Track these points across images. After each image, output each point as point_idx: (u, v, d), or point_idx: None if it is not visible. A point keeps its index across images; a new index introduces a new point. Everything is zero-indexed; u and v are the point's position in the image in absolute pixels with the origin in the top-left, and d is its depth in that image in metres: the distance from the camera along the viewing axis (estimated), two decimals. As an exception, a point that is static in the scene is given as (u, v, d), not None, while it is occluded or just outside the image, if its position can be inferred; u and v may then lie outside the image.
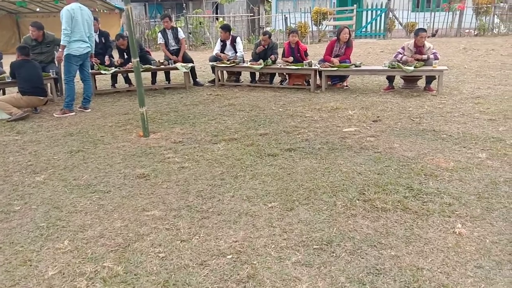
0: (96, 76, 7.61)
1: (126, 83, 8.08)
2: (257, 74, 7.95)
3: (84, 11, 5.92)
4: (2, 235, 2.64)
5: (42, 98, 5.96)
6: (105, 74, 7.37)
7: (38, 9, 18.57)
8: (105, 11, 18.38)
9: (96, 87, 7.68)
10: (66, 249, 2.44)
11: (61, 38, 5.66)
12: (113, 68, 7.44)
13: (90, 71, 6.56)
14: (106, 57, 7.66)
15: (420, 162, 3.57)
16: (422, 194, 2.96)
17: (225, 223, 2.68)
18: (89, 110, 6.21)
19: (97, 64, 7.37)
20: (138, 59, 4.71)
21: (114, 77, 7.95)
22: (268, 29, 20.48)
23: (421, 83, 6.94)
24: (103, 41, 7.79)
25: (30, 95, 5.79)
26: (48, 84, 6.94)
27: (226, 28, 8.03)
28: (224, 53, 8.01)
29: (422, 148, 3.94)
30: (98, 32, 7.67)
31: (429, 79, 6.65)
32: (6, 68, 6.79)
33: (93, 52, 6.45)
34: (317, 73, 7.24)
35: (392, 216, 2.68)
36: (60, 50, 5.78)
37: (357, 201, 2.88)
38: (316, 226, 2.58)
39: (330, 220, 2.65)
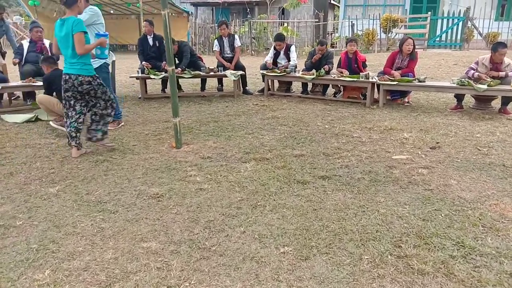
0: (146, 80, 7.57)
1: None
2: (310, 84, 7.46)
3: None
4: (-9, 254, 2.47)
5: None
6: (154, 78, 7.31)
7: (112, 11, 19.51)
8: (173, 14, 18.86)
9: (146, 91, 7.66)
10: (44, 282, 2.19)
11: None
12: (163, 72, 7.36)
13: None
14: (164, 63, 7.55)
15: (479, 208, 2.91)
16: (475, 255, 2.34)
17: (225, 269, 2.28)
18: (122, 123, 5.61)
19: (147, 68, 7.33)
20: (173, 67, 4.47)
21: (164, 81, 7.88)
22: (336, 35, 19.81)
23: (496, 103, 6.05)
24: (157, 44, 7.74)
25: None
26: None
27: (281, 39, 7.58)
28: (277, 61, 7.62)
29: (485, 189, 3.25)
30: (152, 35, 7.65)
31: (506, 100, 5.75)
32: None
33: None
34: (375, 86, 6.61)
35: (430, 283, 2.11)
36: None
37: (389, 257, 2.34)
38: (331, 287, 2.10)
39: (350, 280, 2.14)
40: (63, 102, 4.33)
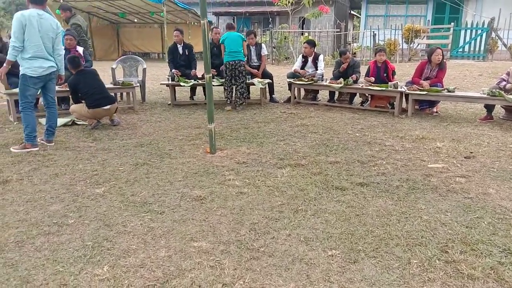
0: (175, 87, 7.73)
1: (205, 95, 8.13)
2: (336, 93, 7.53)
3: (45, 20, 4.62)
4: (49, 250, 2.59)
5: (108, 108, 5.72)
6: (184, 86, 7.47)
7: (135, 20, 19.97)
8: (196, 23, 19.22)
9: (175, 97, 7.81)
10: (104, 277, 2.29)
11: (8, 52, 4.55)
12: (192, 80, 7.52)
13: (55, 96, 5.17)
14: (193, 71, 7.73)
15: (522, 217, 2.93)
16: (524, 262, 2.36)
17: (276, 269, 2.35)
18: (53, 144, 4.97)
19: (177, 76, 7.51)
20: (210, 74, 4.59)
21: (193, 89, 8.04)
22: (354, 45, 19.85)
23: (528, 114, 6.02)
24: (187, 53, 7.92)
25: (95, 107, 5.63)
26: (130, 93, 7.21)
27: (311, 44, 7.75)
28: (304, 70, 7.73)
29: (526, 198, 3.26)
30: (182, 44, 7.84)
31: (538, 111, 5.72)
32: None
33: (62, 73, 5.11)
34: (403, 96, 6.64)
35: (482, 288, 2.14)
36: (4, 65, 4.62)
37: (437, 261, 2.38)
38: (383, 289, 2.15)
39: (401, 283, 2.19)
40: (225, 78, 7.08)
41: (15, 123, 6.04)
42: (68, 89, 6.40)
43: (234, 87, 7.14)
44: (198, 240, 2.68)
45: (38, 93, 6.14)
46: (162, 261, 2.44)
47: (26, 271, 2.35)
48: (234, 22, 22.30)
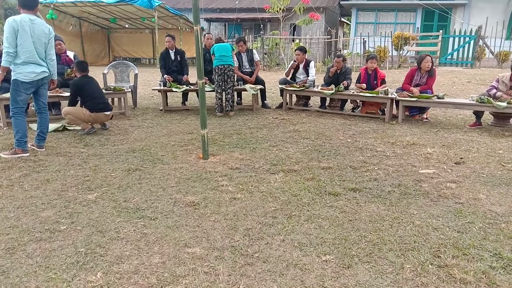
0: (167, 93, 7.72)
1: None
2: (328, 99, 7.59)
3: (37, 26, 4.58)
4: (41, 257, 2.56)
5: (108, 114, 5.88)
6: (176, 91, 7.46)
7: (127, 25, 19.92)
8: (187, 29, 19.22)
9: (167, 103, 7.79)
10: (97, 283, 2.27)
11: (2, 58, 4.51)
12: (184, 86, 7.52)
13: (47, 101, 5.06)
14: (185, 77, 7.74)
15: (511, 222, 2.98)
16: (515, 266, 2.40)
17: (270, 275, 2.35)
18: (44, 149, 4.91)
19: (169, 82, 7.50)
20: (203, 80, 4.60)
21: (185, 94, 8.04)
22: (345, 52, 20.03)
23: (515, 121, 6.12)
24: (179, 59, 7.92)
25: (98, 111, 5.72)
26: (122, 98, 7.17)
27: (303, 50, 7.84)
28: (296, 76, 7.79)
29: (516, 203, 3.31)
30: (174, 50, 7.84)
31: (526, 118, 5.82)
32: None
33: (54, 78, 5.07)
34: (394, 102, 6.71)
35: (474, 292, 2.17)
36: (0, 72, 4.60)
37: (429, 266, 2.40)
38: (377, 294, 2.16)
39: (395, 288, 2.21)
40: (216, 83, 7.03)
41: (4, 128, 5.97)
42: (59, 94, 6.39)
43: (224, 93, 7.11)
44: (192, 246, 2.67)
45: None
46: (156, 268, 2.43)
47: (17, 278, 2.33)
48: (225, 28, 22.43)
